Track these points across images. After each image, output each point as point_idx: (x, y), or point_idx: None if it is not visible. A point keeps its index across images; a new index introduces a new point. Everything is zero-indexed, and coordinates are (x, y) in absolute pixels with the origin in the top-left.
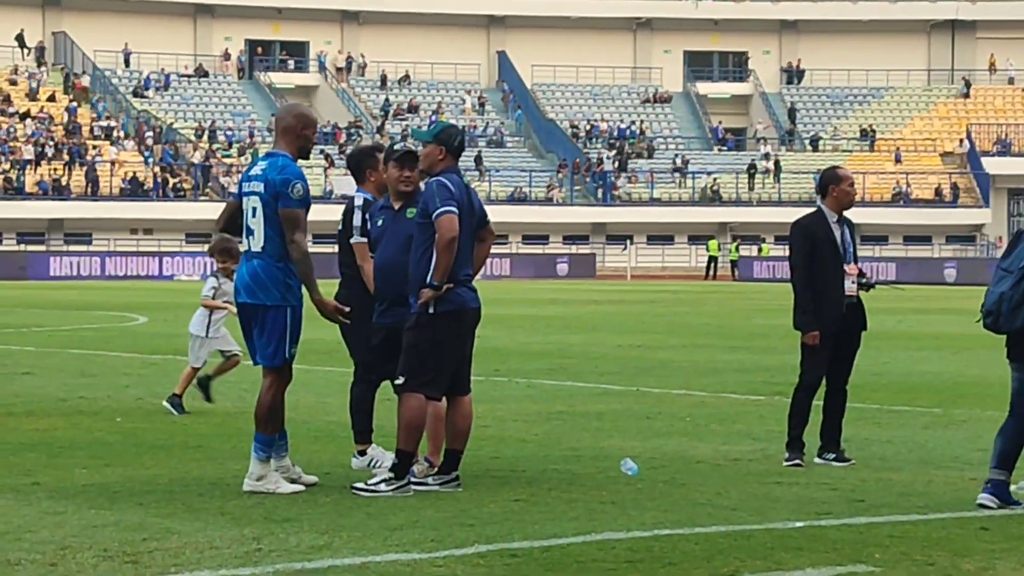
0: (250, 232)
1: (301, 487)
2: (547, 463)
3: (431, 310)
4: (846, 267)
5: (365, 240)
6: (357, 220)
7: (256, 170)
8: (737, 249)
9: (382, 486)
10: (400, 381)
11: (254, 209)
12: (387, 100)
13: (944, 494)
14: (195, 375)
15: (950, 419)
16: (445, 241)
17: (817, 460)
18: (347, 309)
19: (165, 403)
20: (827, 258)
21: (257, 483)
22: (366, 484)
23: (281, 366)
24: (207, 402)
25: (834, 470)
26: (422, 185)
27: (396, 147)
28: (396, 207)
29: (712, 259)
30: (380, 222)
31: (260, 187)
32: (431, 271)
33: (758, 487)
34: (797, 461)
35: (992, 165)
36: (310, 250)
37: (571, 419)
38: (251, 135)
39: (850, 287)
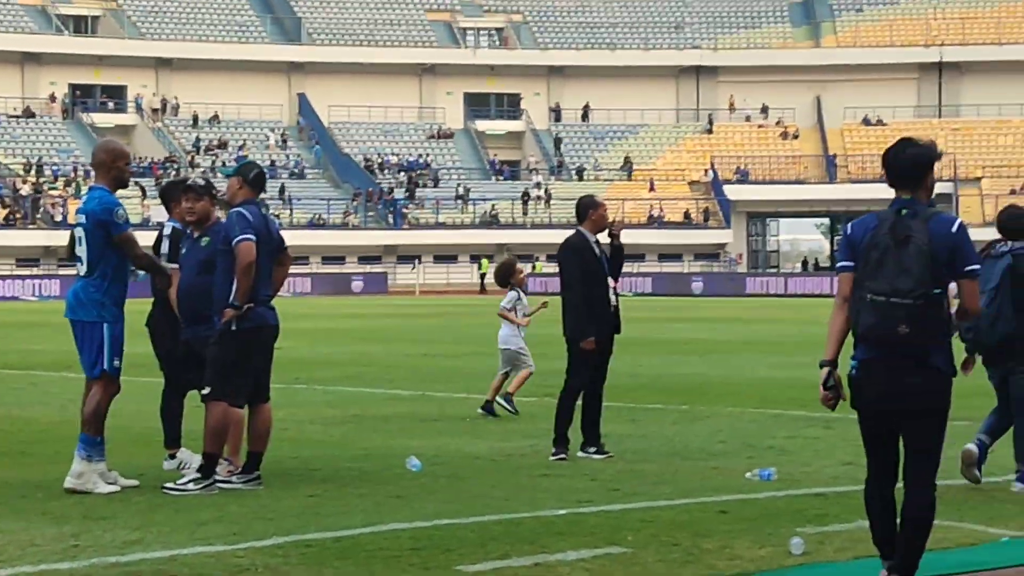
0: (77, 258)
1: (117, 488)
2: (341, 462)
3: (233, 327)
4: (610, 281)
5: (172, 265)
6: (164, 247)
7: (81, 204)
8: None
9: (190, 485)
10: (206, 391)
11: (80, 238)
12: (198, 138)
13: (689, 482)
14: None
15: (696, 415)
16: (243, 266)
17: (580, 454)
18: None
19: (500, 400)
20: (595, 273)
21: (77, 480)
22: (175, 484)
23: (101, 376)
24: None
25: (594, 463)
26: (222, 215)
27: (189, 181)
28: (194, 235)
29: (483, 275)
30: (184, 249)
31: (83, 219)
32: (233, 292)
33: (528, 479)
34: (562, 455)
35: (732, 192)
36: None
37: (364, 422)
38: (75, 170)
39: (614, 299)
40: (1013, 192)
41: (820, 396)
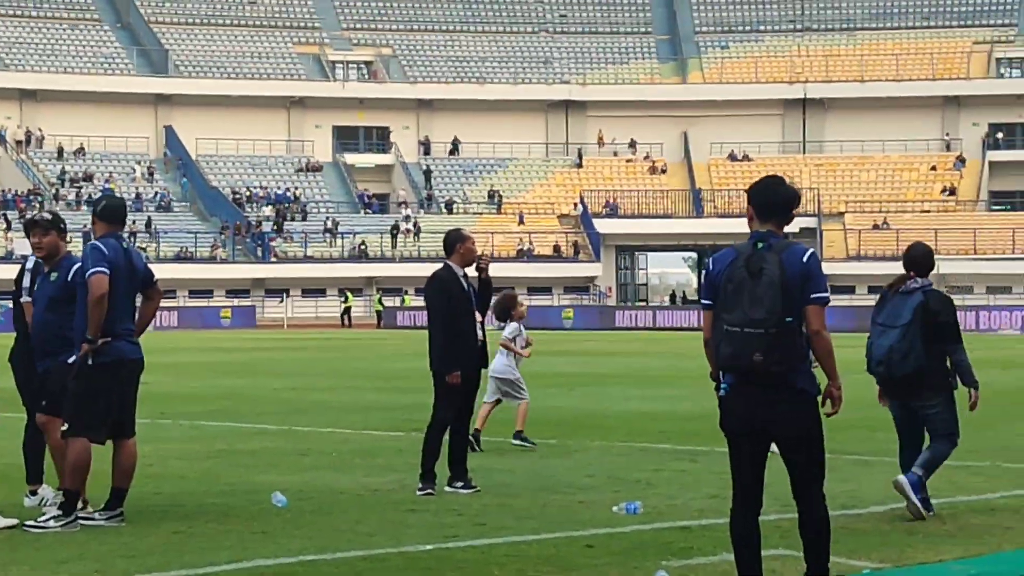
0: None
1: None
2: (205, 497)
3: (90, 361)
4: (478, 315)
5: (30, 299)
6: (26, 281)
7: None
8: (381, 301)
9: (51, 522)
10: (65, 427)
11: None
12: (63, 170)
13: (556, 516)
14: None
15: (565, 449)
16: (94, 299)
17: (447, 489)
18: None
19: (514, 440)
20: (463, 307)
21: None
22: (36, 521)
23: None
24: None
25: (461, 497)
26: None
27: (35, 216)
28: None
29: (347, 309)
30: (36, 284)
31: None
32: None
33: (394, 514)
34: (429, 490)
35: (602, 225)
36: None
37: (229, 456)
38: None
39: (480, 332)
40: (876, 227)
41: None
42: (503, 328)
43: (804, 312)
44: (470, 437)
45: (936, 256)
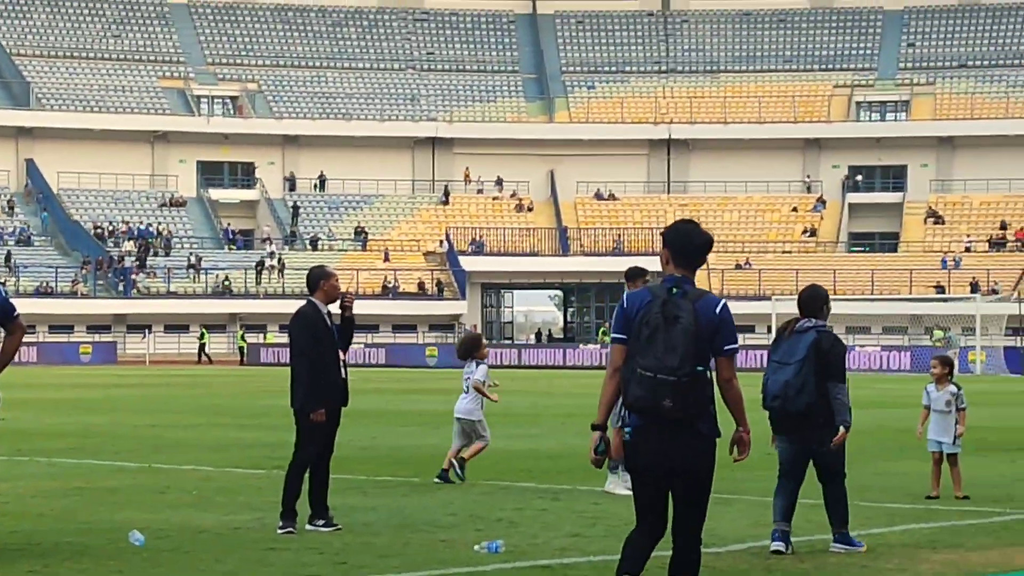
0: None
1: None
2: (62, 536)
3: None
4: (341, 353)
5: None
6: None
7: None
8: (244, 337)
9: None
10: None
11: None
12: None
13: (418, 555)
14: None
15: (427, 487)
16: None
17: (308, 527)
18: None
19: (437, 478)
20: (326, 344)
21: None
22: None
23: None
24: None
25: (322, 535)
26: None
27: None
28: None
29: (202, 345)
30: None
31: None
32: None
33: (254, 553)
34: (290, 529)
35: (467, 263)
36: None
37: (88, 494)
38: None
39: (343, 369)
40: (738, 267)
41: (591, 458)
42: (465, 367)
43: (715, 362)
44: (454, 463)
45: (796, 297)
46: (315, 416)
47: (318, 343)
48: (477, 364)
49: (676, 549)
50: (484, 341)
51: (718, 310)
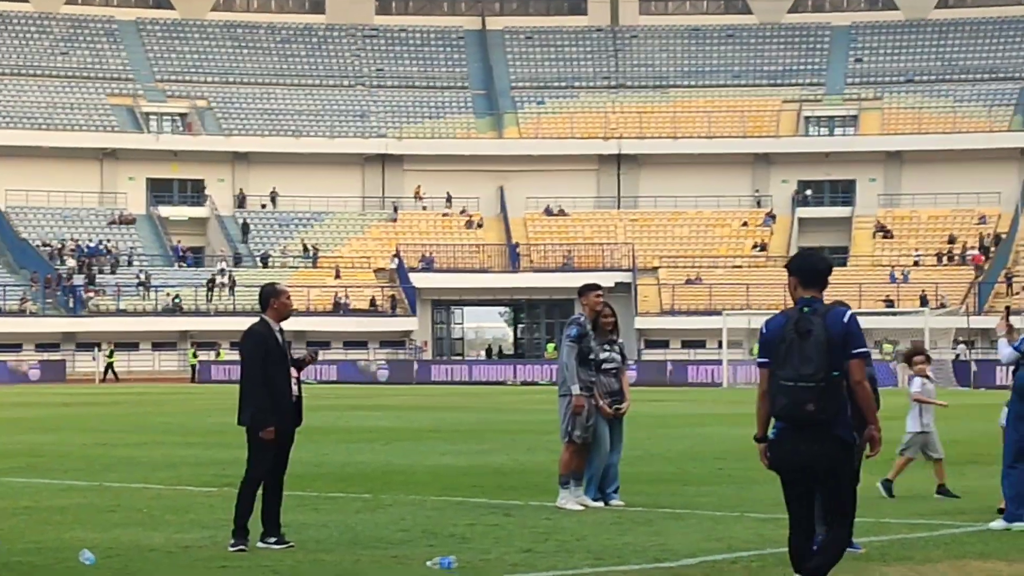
0: None
1: None
2: (9, 556)
3: None
4: (293, 371)
5: None
6: None
7: None
8: (195, 355)
9: None
10: None
11: None
12: None
13: (370, 571)
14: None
15: (378, 503)
16: None
17: (260, 544)
18: None
19: (879, 485)
20: (277, 362)
21: None
22: None
23: None
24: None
25: (274, 553)
26: None
27: None
28: None
29: (110, 364)
30: None
31: None
32: None
33: (206, 571)
34: (242, 547)
35: (418, 280)
36: None
37: (36, 513)
38: None
39: (295, 387)
40: (689, 281)
41: (764, 464)
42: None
43: (846, 366)
44: (880, 485)
45: (748, 311)
46: (264, 434)
47: (269, 361)
48: (911, 378)
49: (820, 545)
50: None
51: (846, 319)
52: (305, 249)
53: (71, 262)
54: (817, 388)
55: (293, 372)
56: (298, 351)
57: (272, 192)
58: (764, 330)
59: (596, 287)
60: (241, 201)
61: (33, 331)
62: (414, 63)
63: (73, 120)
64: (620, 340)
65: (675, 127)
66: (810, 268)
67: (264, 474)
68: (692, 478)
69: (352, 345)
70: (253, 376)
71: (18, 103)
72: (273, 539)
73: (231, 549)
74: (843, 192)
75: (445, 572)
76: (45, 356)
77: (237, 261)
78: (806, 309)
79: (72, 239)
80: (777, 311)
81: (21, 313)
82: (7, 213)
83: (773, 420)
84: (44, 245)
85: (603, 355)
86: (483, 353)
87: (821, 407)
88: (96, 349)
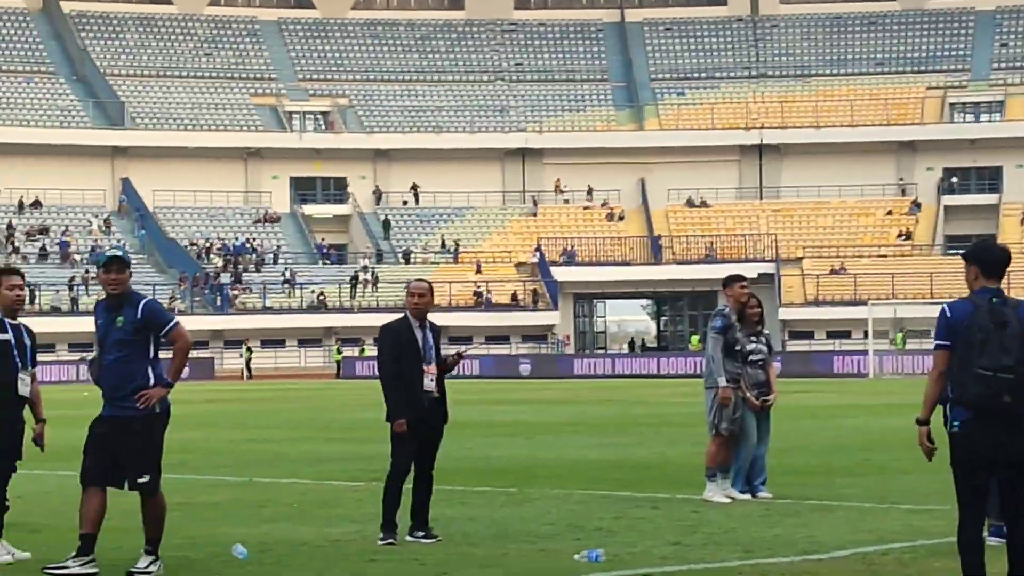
0: None
1: None
2: (166, 551)
3: (157, 409)
4: (425, 367)
5: None
6: None
7: None
8: (339, 351)
9: (152, 567)
10: (145, 479)
11: None
12: (10, 224)
13: (517, 564)
14: None
15: (524, 497)
16: (190, 347)
17: (408, 538)
18: None
19: None
20: (410, 357)
21: None
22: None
23: None
24: None
25: (423, 547)
26: None
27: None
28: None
29: (247, 360)
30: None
31: None
32: (167, 372)
33: (356, 565)
34: (390, 540)
35: (559, 273)
36: None
37: (189, 509)
38: None
39: (429, 384)
40: (833, 272)
41: (924, 448)
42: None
43: None
44: None
45: (893, 301)
46: (396, 427)
47: (400, 354)
48: None
49: (1010, 531)
50: None
51: None
52: (443, 245)
53: (218, 261)
54: (1015, 380)
55: (428, 368)
56: (453, 348)
57: (413, 187)
58: (948, 314)
59: (741, 278)
60: (378, 198)
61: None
62: (553, 57)
63: (218, 120)
64: (767, 331)
65: (817, 116)
66: (992, 258)
67: (407, 468)
68: (839, 470)
69: (494, 340)
70: (384, 371)
71: (164, 104)
72: (421, 533)
73: (380, 543)
74: (990, 179)
75: (594, 564)
76: (193, 354)
77: (379, 257)
78: (995, 300)
79: (218, 238)
80: (925, 298)
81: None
82: (155, 213)
83: (944, 407)
84: (191, 244)
85: (750, 347)
86: (626, 346)
87: (1018, 399)
88: (243, 346)
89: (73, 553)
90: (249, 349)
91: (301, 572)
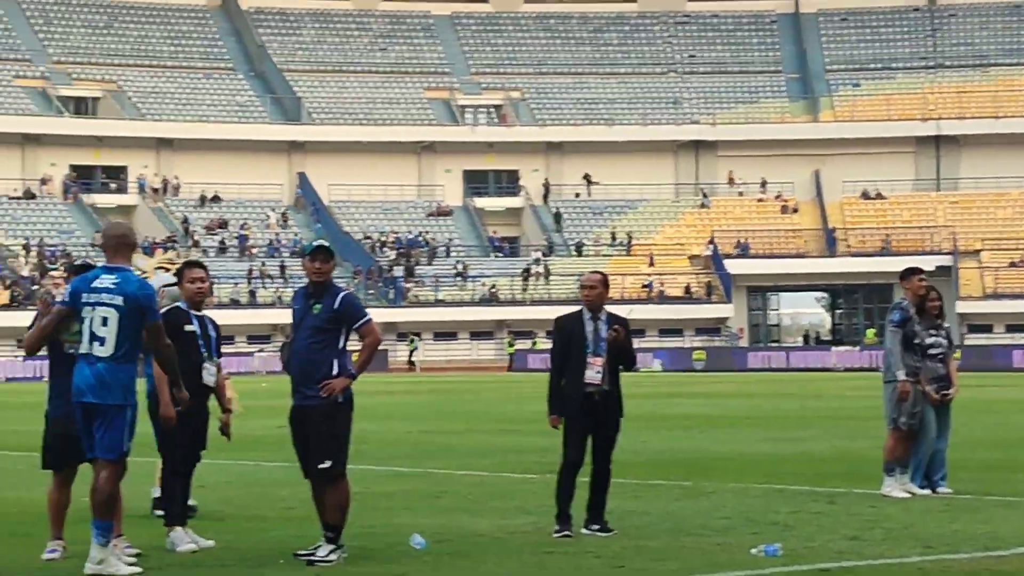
0: (96, 339)
1: (139, 568)
2: (345, 540)
3: (340, 399)
4: (590, 359)
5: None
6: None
7: (106, 283)
8: (512, 344)
9: (332, 556)
10: (327, 465)
11: (105, 319)
12: (186, 218)
13: (694, 558)
14: None
15: (699, 491)
16: (379, 343)
17: (584, 531)
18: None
19: None
20: (576, 350)
21: (98, 566)
22: (320, 556)
23: (117, 458)
24: None
25: (598, 539)
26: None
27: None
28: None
29: (411, 352)
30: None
31: (118, 300)
32: (354, 365)
33: (532, 556)
34: (566, 532)
35: (733, 266)
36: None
37: (366, 499)
38: (73, 251)
39: (594, 376)
40: (1013, 264)
41: None
42: None
43: None
44: None
45: None
46: (551, 421)
47: (567, 348)
48: None
49: None
50: None
51: None
52: (613, 238)
53: (391, 254)
54: None
55: (594, 360)
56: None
57: (586, 177)
58: None
59: (919, 271)
60: (547, 191)
61: None
62: (726, 48)
63: (392, 115)
64: (947, 324)
65: (996, 106)
66: None
67: (577, 460)
68: (1021, 465)
69: (667, 332)
70: (552, 363)
71: (339, 99)
72: (596, 526)
73: (555, 535)
74: None
75: (771, 559)
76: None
77: (551, 250)
78: None
79: (392, 231)
80: None
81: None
82: (330, 208)
83: None
84: (365, 238)
85: (929, 340)
86: (800, 339)
87: None
88: (416, 338)
89: (321, 542)
90: (412, 341)
91: (478, 563)
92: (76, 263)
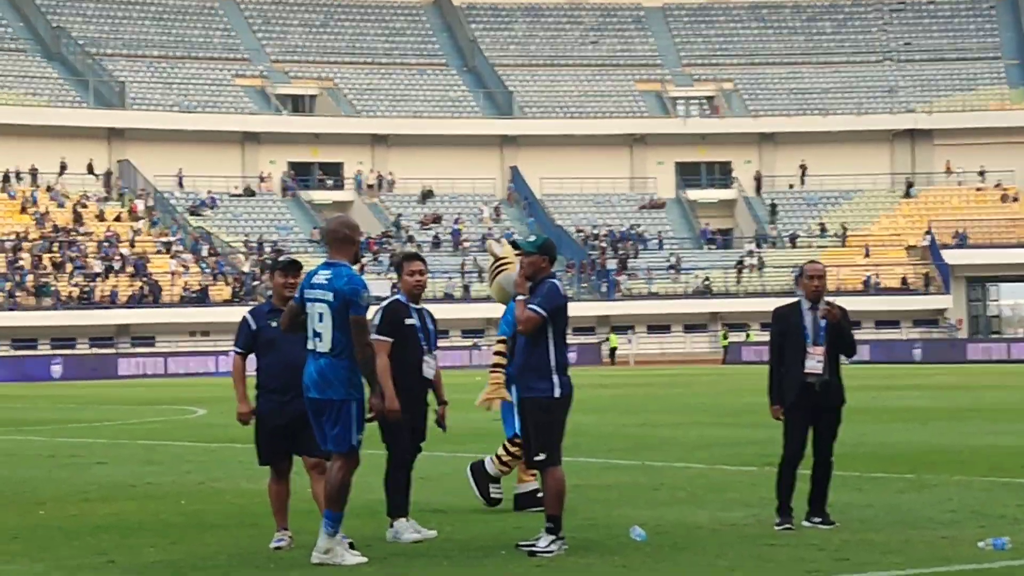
0: (316, 335)
1: (364, 558)
2: (566, 532)
3: (557, 394)
4: (809, 348)
5: (380, 338)
6: (376, 319)
7: (321, 279)
8: (726, 336)
9: (552, 547)
10: (542, 457)
11: (320, 315)
12: (399, 214)
13: (920, 551)
14: None
15: (923, 483)
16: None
17: (805, 523)
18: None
19: None
20: (793, 341)
21: (325, 556)
22: (540, 547)
23: (348, 451)
24: None
25: (820, 532)
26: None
27: (281, 259)
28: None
29: (612, 349)
30: (274, 323)
31: (329, 295)
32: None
33: (752, 549)
34: (787, 525)
35: (951, 256)
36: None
37: (585, 491)
38: (291, 247)
39: (815, 366)
40: None
41: None
42: None
43: None
44: None
45: None
46: (772, 412)
47: (784, 339)
48: None
49: None
50: None
51: None
52: (823, 229)
53: (604, 247)
54: None
55: (813, 350)
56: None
57: (802, 166)
58: None
59: None
60: (759, 183)
61: (570, 315)
62: (943, 34)
63: (603, 108)
64: None
65: None
66: None
67: (798, 452)
68: None
69: (883, 324)
70: (771, 355)
71: (551, 93)
72: (818, 519)
73: (776, 528)
74: None
75: (999, 553)
76: (581, 339)
77: (763, 241)
78: None
79: (604, 224)
80: None
81: None
82: (543, 201)
83: None
84: (578, 231)
85: None
86: (1021, 331)
87: None
88: (630, 332)
89: (541, 533)
90: (611, 336)
91: (699, 555)
92: (280, 259)
